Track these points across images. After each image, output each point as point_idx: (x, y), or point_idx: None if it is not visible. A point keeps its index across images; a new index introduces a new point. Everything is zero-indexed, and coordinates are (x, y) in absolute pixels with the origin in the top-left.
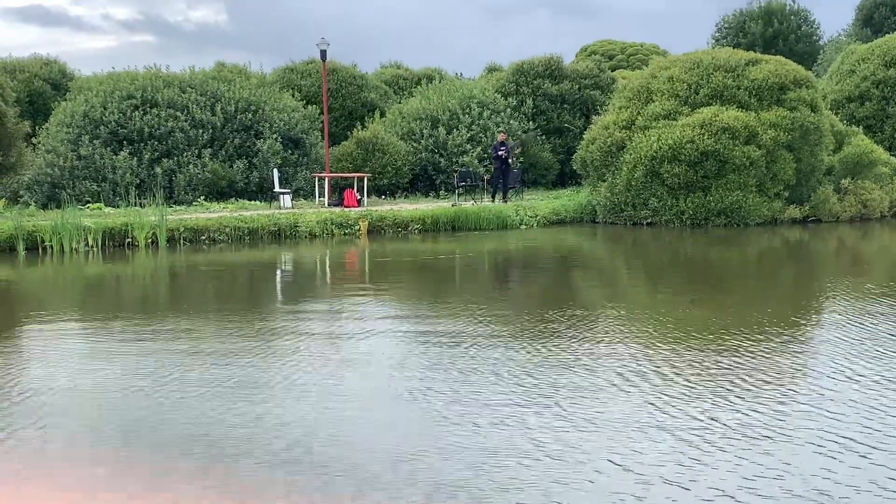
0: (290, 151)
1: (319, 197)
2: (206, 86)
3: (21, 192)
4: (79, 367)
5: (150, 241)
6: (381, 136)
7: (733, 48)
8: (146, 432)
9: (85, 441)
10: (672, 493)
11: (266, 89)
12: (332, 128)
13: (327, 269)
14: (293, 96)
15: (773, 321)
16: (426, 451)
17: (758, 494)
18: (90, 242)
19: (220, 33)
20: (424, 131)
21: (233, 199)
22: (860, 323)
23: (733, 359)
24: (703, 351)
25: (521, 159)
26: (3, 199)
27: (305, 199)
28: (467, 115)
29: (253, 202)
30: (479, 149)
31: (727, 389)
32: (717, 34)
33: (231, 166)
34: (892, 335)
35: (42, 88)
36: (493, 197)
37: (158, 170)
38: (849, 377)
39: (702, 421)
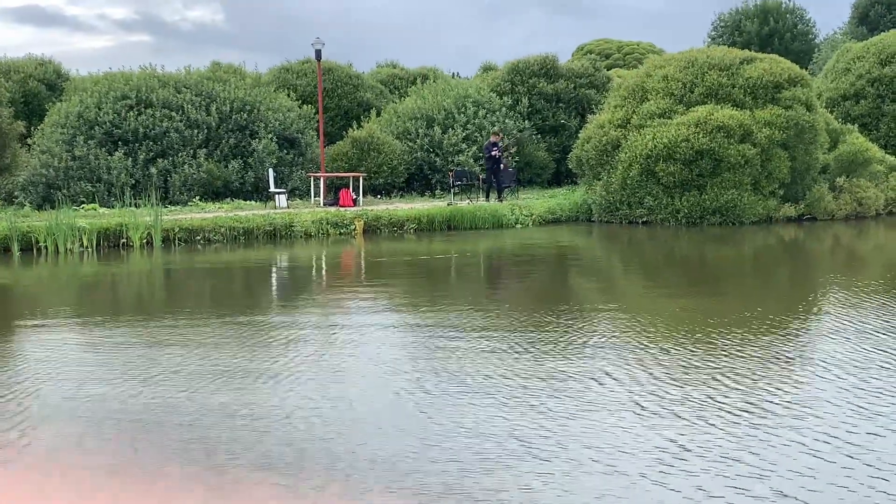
0: (285, 151)
1: (315, 197)
2: (202, 86)
3: (16, 193)
4: (74, 366)
5: (144, 241)
6: (376, 135)
7: (729, 47)
8: (137, 432)
9: (82, 441)
10: (659, 494)
11: (261, 89)
12: (327, 127)
13: (322, 269)
14: (289, 96)
15: (765, 320)
16: (414, 452)
17: (748, 496)
18: (85, 243)
19: (217, 33)
20: (420, 130)
21: (228, 200)
22: (853, 321)
23: (723, 357)
24: (693, 349)
25: (517, 158)
26: None
27: (301, 198)
28: (463, 115)
29: (248, 202)
30: (474, 148)
31: (715, 388)
32: (712, 33)
33: (226, 166)
34: (886, 333)
35: (37, 89)
36: (488, 196)
37: (153, 170)
38: (839, 376)
39: (690, 420)
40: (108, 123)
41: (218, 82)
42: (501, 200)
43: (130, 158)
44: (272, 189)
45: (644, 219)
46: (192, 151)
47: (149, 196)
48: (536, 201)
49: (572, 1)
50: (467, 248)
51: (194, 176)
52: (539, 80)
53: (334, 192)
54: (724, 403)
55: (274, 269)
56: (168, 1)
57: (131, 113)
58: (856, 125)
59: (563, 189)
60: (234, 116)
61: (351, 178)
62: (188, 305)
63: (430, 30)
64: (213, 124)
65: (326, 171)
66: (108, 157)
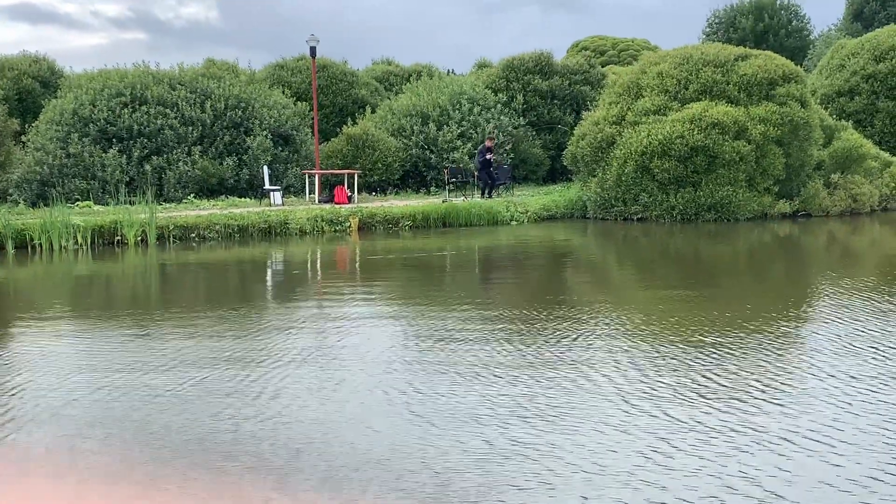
0: (280, 148)
1: (310, 194)
2: (196, 83)
3: (10, 191)
4: (68, 365)
5: (139, 239)
6: (371, 132)
7: (724, 43)
8: (135, 429)
9: (77, 441)
10: (649, 493)
11: (256, 86)
12: (322, 124)
13: (317, 267)
14: (283, 93)
15: (757, 316)
16: (404, 451)
17: (737, 495)
18: (79, 241)
19: (211, 30)
20: (415, 127)
21: (223, 197)
22: (846, 318)
23: (714, 354)
24: (683, 346)
25: (512, 155)
26: None
27: (296, 196)
28: (457, 112)
29: (243, 199)
30: (469, 145)
31: (705, 386)
32: (707, 29)
33: (221, 163)
34: (878, 331)
35: (31, 86)
36: (482, 193)
37: (148, 167)
38: (830, 374)
39: (676, 419)
40: (102, 121)
41: (212, 79)
42: (490, 197)
43: (125, 156)
44: (267, 186)
45: (639, 215)
46: (186, 149)
47: (143, 193)
48: (532, 198)
49: None
50: (462, 244)
51: (189, 173)
52: (534, 77)
53: (329, 189)
54: (714, 403)
55: (268, 267)
56: None
57: (126, 110)
58: (850, 121)
59: (559, 186)
60: (228, 113)
61: (346, 176)
62: (182, 303)
63: (425, 27)
64: (208, 121)
65: (321, 169)
66: (103, 155)
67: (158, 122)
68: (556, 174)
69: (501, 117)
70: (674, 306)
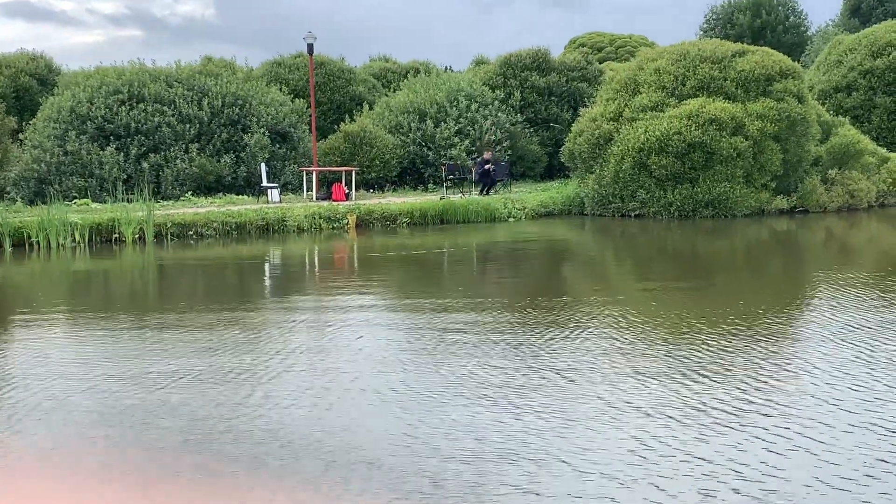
0: (277, 146)
1: (307, 191)
2: (193, 80)
3: (7, 189)
4: (64, 364)
5: (137, 236)
6: (368, 129)
7: (721, 39)
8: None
9: (74, 440)
10: (641, 493)
11: (253, 83)
12: (319, 121)
13: (315, 264)
14: (281, 90)
15: (750, 312)
16: (397, 451)
17: (717, 498)
18: (77, 238)
19: (208, 27)
20: (412, 124)
21: (220, 194)
22: (839, 314)
23: (708, 352)
24: (677, 344)
25: (510, 152)
26: None
27: (293, 193)
28: (455, 108)
29: (241, 197)
30: (466, 142)
31: (697, 382)
32: (704, 25)
33: (218, 161)
34: (869, 328)
35: (28, 84)
36: (481, 191)
37: (145, 165)
38: (822, 369)
39: (661, 419)
40: (99, 118)
41: (209, 77)
42: (488, 194)
43: (122, 153)
44: (264, 184)
45: (636, 212)
46: (184, 146)
47: (141, 191)
48: (529, 195)
49: None
50: (459, 241)
51: (186, 171)
52: (531, 74)
53: (327, 186)
54: (705, 402)
55: (266, 265)
56: None
57: (123, 108)
58: (847, 117)
59: (556, 182)
60: (225, 111)
61: (343, 173)
62: (180, 300)
63: (422, 24)
64: (205, 119)
65: (319, 166)
66: (100, 152)
67: (156, 119)
68: (553, 171)
69: (499, 114)
70: (668, 301)
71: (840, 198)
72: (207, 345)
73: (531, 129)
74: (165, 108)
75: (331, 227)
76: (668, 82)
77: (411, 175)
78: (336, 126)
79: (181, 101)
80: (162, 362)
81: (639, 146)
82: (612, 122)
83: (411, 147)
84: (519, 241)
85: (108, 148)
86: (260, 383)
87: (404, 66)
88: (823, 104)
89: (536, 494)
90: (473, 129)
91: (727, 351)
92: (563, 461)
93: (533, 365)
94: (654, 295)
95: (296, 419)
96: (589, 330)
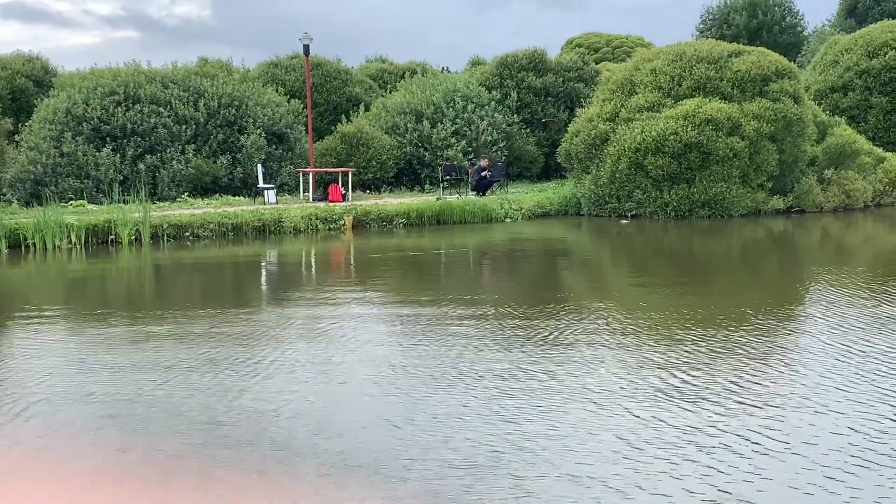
0: (274, 146)
1: (304, 192)
2: (189, 81)
3: (3, 190)
4: (60, 364)
5: (133, 238)
6: (365, 130)
7: (717, 40)
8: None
9: (71, 440)
10: (631, 495)
11: (249, 84)
12: (316, 122)
13: (311, 265)
14: (277, 91)
15: (744, 312)
16: (390, 451)
17: (700, 498)
18: (73, 240)
19: (204, 28)
20: (409, 125)
21: (217, 195)
22: (831, 316)
23: (694, 352)
24: (668, 344)
25: (506, 153)
26: None
27: (290, 194)
28: (451, 109)
29: (237, 198)
30: (463, 142)
31: (684, 385)
32: (701, 26)
33: (215, 162)
34: (867, 327)
35: (25, 85)
36: (477, 193)
37: (142, 166)
38: (807, 373)
39: (644, 419)
40: (95, 119)
41: (205, 78)
42: (484, 195)
43: (118, 154)
44: (261, 185)
45: (633, 212)
46: (180, 147)
47: (137, 192)
48: (526, 195)
49: None
50: (456, 242)
51: (183, 172)
52: (528, 74)
53: (323, 187)
54: (689, 403)
55: (262, 266)
56: None
57: (119, 109)
58: (844, 117)
59: (553, 183)
60: (222, 112)
61: (340, 174)
62: (177, 301)
63: (419, 25)
64: (202, 120)
65: (315, 167)
66: (96, 154)
67: (152, 120)
68: (550, 171)
69: (495, 115)
70: (662, 302)
71: (836, 198)
72: (202, 346)
73: (527, 130)
74: (161, 109)
75: (327, 228)
76: (664, 83)
77: (408, 176)
78: (332, 127)
79: (177, 102)
80: (157, 363)
81: (635, 146)
82: (608, 123)
83: (408, 148)
84: (516, 241)
85: (105, 149)
86: (257, 384)
87: (401, 67)
88: (820, 104)
89: (525, 499)
90: (470, 129)
91: (718, 351)
92: (550, 463)
93: (525, 366)
94: (649, 295)
95: (293, 421)
96: (585, 331)
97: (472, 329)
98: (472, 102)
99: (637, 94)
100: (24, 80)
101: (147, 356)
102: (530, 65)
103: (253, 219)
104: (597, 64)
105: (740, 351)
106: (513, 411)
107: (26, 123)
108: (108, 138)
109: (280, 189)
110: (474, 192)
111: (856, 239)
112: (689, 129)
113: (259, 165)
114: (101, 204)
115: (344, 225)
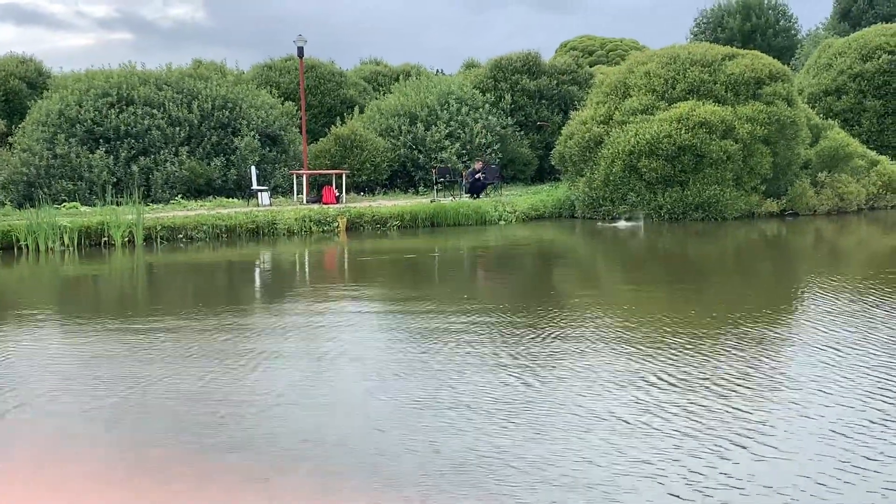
0: (267, 149)
1: (298, 194)
2: (183, 83)
3: None
4: (54, 365)
5: (126, 240)
6: (359, 132)
7: (711, 43)
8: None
9: (67, 440)
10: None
11: (243, 86)
12: (310, 125)
13: (305, 267)
14: (271, 93)
15: (731, 316)
16: (385, 452)
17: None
18: (66, 242)
19: (198, 30)
20: (403, 127)
21: (210, 197)
22: (822, 318)
23: (680, 354)
24: (663, 345)
25: (500, 155)
26: None
27: (284, 196)
28: (445, 112)
29: (231, 200)
30: (457, 145)
31: (667, 385)
32: (695, 29)
33: (208, 164)
34: (852, 331)
35: (18, 87)
36: (471, 196)
37: (135, 168)
38: (794, 375)
39: (627, 421)
40: (89, 121)
41: (199, 80)
42: (478, 197)
43: (112, 156)
44: (255, 187)
45: (627, 215)
46: (174, 149)
47: (131, 194)
48: (520, 198)
49: None
50: (450, 245)
51: (176, 174)
52: (522, 77)
53: (317, 189)
54: (671, 405)
55: (255, 268)
56: None
57: (112, 111)
58: (837, 120)
59: (547, 185)
60: (216, 114)
61: (334, 176)
62: (170, 302)
63: (413, 27)
64: (195, 122)
65: (309, 169)
66: (90, 156)
67: (145, 122)
68: (544, 174)
69: (489, 117)
70: (654, 304)
71: (830, 201)
72: (198, 347)
73: (521, 133)
74: (155, 111)
75: (321, 230)
76: (658, 85)
77: (402, 178)
78: (326, 129)
79: (171, 104)
80: (152, 365)
81: (629, 149)
82: (602, 126)
83: (402, 150)
84: (509, 244)
85: (98, 151)
86: (253, 385)
87: (395, 70)
88: (813, 107)
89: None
90: (464, 132)
91: (709, 355)
92: (538, 467)
93: (517, 367)
94: (641, 297)
95: (290, 422)
96: (576, 332)
97: (465, 333)
98: (467, 105)
99: (631, 96)
100: (17, 82)
101: (141, 357)
102: (524, 67)
103: (247, 221)
104: (591, 67)
105: (730, 355)
106: (504, 415)
107: (19, 125)
108: (101, 140)
109: (274, 191)
110: (468, 195)
111: (849, 242)
112: (682, 132)
113: (253, 167)
114: (95, 206)
115: (338, 227)
